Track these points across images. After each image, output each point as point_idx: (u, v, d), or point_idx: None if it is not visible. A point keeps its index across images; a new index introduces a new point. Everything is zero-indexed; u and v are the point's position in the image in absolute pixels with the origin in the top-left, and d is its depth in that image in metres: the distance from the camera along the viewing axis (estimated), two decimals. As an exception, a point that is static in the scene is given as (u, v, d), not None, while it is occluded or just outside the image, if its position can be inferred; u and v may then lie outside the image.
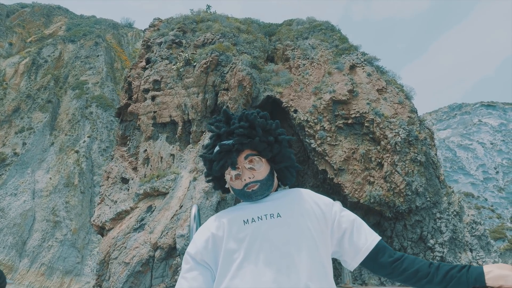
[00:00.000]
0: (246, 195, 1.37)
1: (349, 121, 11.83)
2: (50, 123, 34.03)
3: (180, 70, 12.85)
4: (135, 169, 12.42)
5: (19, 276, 26.61)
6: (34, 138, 32.28)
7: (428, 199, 10.96)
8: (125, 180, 12.34)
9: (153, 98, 12.93)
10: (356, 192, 10.96)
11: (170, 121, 12.56)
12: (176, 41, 14.08)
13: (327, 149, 11.48)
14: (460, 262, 10.40)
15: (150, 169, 11.97)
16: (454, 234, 10.84)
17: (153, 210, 10.64)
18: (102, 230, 11.55)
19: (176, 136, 12.30)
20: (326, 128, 11.70)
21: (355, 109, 11.87)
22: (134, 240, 9.98)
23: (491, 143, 51.33)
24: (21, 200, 29.26)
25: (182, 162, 11.60)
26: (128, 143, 13.37)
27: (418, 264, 1.25)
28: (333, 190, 11.88)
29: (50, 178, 30.96)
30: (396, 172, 10.81)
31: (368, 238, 1.33)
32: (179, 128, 12.29)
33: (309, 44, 14.44)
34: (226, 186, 1.47)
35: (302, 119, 11.97)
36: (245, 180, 1.36)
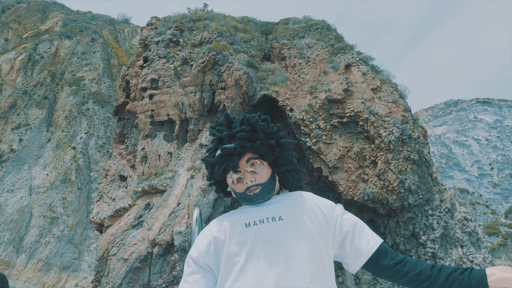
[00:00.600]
0: (248, 199, 1.38)
1: (344, 120, 12.03)
2: (47, 120, 33.99)
3: (178, 69, 12.98)
4: (133, 167, 12.58)
5: (16, 272, 26.74)
6: (31, 135, 32.26)
7: (421, 196, 11.20)
8: (123, 178, 12.50)
9: (151, 96, 13.06)
10: (351, 190, 11.18)
11: (167, 120, 12.70)
12: (174, 40, 14.18)
13: (322, 147, 11.67)
14: (451, 258, 10.67)
15: (148, 167, 12.12)
16: (445, 230, 11.10)
17: (151, 208, 10.81)
18: (100, 227, 11.72)
19: (174, 134, 12.45)
20: (321, 126, 11.88)
21: (350, 108, 12.06)
22: (132, 236, 10.16)
23: (486, 140, 51.77)
24: (18, 196, 29.32)
25: (179, 160, 11.76)
26: (126, 141, 13.50)
27: (420, 267, 1.24)
28: (327, 188, 12.09)
29: (47, 174, 31.00)
30: (389, 170, 11.04)
31: (370, 241, 1.34)
32: (177, 126, 12.44)
33: (305, 43, 14.58)
34: (228, 189, 1.48)
35: (297, 117, 12.15)
36: (246, 183, 1.37)
